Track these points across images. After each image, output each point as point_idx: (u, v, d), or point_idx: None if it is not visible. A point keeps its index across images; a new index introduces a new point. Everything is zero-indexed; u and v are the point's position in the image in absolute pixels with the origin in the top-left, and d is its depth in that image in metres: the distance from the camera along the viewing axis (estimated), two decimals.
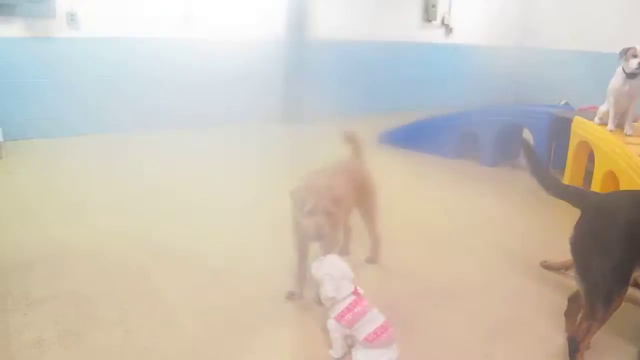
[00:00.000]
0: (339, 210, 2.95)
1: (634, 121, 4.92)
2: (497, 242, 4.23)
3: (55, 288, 3.20)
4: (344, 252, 3.74)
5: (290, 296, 3.20)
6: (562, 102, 7.81)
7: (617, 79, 4.71)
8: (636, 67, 4.55)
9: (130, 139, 6.78)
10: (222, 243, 3.94)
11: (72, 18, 6.50)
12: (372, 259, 3.68)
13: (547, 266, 3.66)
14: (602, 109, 4.94)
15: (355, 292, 2.70)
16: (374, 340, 2.56)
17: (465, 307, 3.24)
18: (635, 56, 4.55)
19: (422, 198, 5.28)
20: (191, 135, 7.17)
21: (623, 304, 2.51)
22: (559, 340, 2.88)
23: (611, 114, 4.78)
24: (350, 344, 2.70)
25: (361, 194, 3.42)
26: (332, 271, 2.71)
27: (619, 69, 4.69)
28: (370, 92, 8.91)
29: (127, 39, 6.88)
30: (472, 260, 3.89)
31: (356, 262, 3.72)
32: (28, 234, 3.93)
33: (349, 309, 2.64)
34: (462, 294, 3.39)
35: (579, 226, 2.67)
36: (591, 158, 4.98)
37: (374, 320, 2.61)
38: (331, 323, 2.68)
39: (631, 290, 3.29)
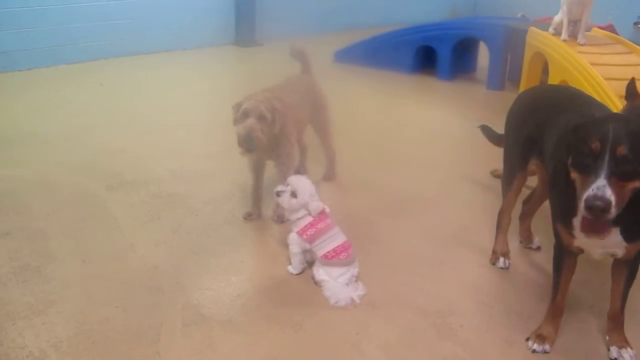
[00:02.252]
0: (277, 120, 2.90)
1: (587, 30, 4.93)
2: (452, 154, 4.29)
3: (7, 224, 3.12)
4: (300, 171, 3.73)
5: (248, 216, 3.20)
6: (520, 15, 7.75)
7: None
8: None
9: (82, 68, 6.49)
10: (178, 169, 3.88)
11: None
12: (329, 176, 3.70)
13: (497, 175, 3.74)
14: (556, 19, 4.92)
15: (321, 211, 2.71)
16: (333, 257, 2.59)
17: (421, 217, 3.31)
18: None
19: (379, 113, 5.26)
20: (143, 61, 6.92)
21: None
22: (514, 243, 2.98)
23: (565, 23, 4.76)
24: (310, 260, 2.74)
25: (313, 108, 3.39)
26: (302, 187, 2.69)
27: None
28: (324, 11, 8.66)
29: None
30: (428, 172, 3.94)
31: (313, 180, 3.73)
32: None
33: (312, 224, 2.66)
34: (418, 205, 3.45)
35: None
36: (546, 70, 5.01)
37: (335, 238, 2.64)
38: (292, 236, 2.70)
39: None
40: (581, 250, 2.12)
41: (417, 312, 2.48)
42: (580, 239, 2.06)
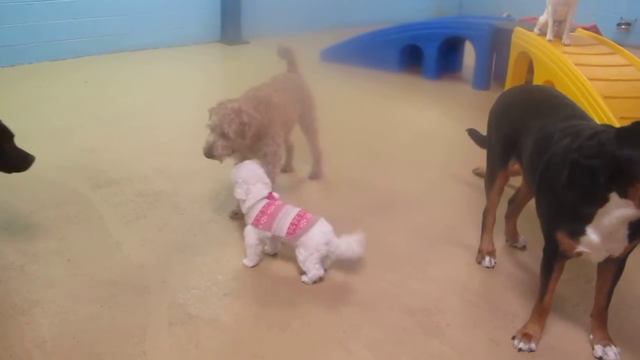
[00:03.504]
0: (247, 131, 2.91)
1: (572, 31, 4.98)
2: (438, 153, 4.31)
3: None
4: (287, 169, 3.74)
5: (234, 215, 3.19)
6: (505, 14, 7.80)
7: None
8: None
9: (66, 64, 6.42)
10: (164, 167, 3.85)
11: None
12: (315, 174, 3.70)
13: (478, 173, 3.77)
14: (542, 19, 4.96)
15: (269, 197, 2.74)
16: (295, 231, 2.61)
17: (408, 216, 3.32)
18: None
19: (365, 112, 5.26)
20: (128, 58, 6.86)
21: None
22: (500, 242, 3.00)
23: (550, 23, 4.80)
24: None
25: (300, 107, 3.39)
26: (246, 175, 2.73)
27: None
28: (311, 9, 8.64)
29: None
30: (414, 171, 3.96)
31: (300, 178, 3.74)
32: None
33: (263, 212, 2.69)
34: (405, 204, 3.46)
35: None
36: (531, 69, 5.05)
37: (288, 214, 2.66)
38: (248, 229, 2.73)
39: None
40: (579, 254, 2.11)
41: (403, 310, 2.48)
42: (586, 246, 2.04)
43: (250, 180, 2.73)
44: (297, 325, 2.37)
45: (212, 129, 2.87)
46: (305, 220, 2.63)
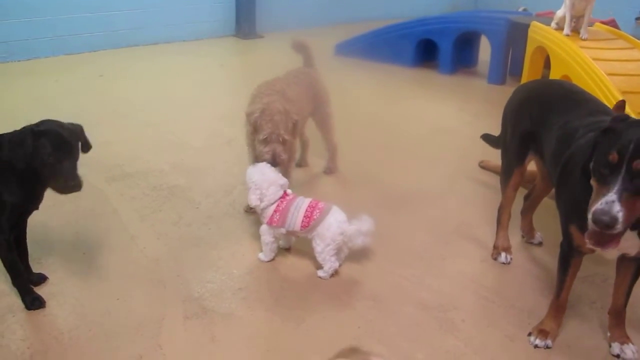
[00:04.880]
0: (294, 135, 2.92)
1: (590, 25, 4.92)
2: (453, 148, 4.28)
3: None
4: (302, 163, 3.74)
5: (249, 209, 3.18)
6: (521, 9, 7.73)
7: None
8: None
9: (82, 58, 6.45)
10: (178, 161, 3.86)
11: None
12: (330, 169, 3.70)
13: (483, 166, 3.75)
14: (559, 13, 4.90)
15: (283, 196, 2.73)
16: (309, 223, 2.62)
17: (423, 212, 3.30)
18: None
19: (380, 107, 5.24)
20: (143, 52, 6.88)
21: None
22: (516, 238, 2.98)
23: (567, 18, 4.75)
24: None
25: (314, 101, 3.38)
26: (258, 180, 2.71)
27: None
28: (325, 3, 8.61)
29: None
30: (429, 166, 3.94)
31: (314, 173, 3.74)
32: None
33: (276, 210, 2.69)
34: (419, 200, 3.44)
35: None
36: (547, 64, 5.00)
37: (300, 207, 2.66)
38: (263, 228, 2.73)
39: None
40: (593, 251, 2.08)
41: (418, 306, 2.48)
42: None
43: (263, 185, 2.70)
44: (311, 320, 2.37)
45: (271, 139, 2.84)
46: (318, 210, 2.63)
